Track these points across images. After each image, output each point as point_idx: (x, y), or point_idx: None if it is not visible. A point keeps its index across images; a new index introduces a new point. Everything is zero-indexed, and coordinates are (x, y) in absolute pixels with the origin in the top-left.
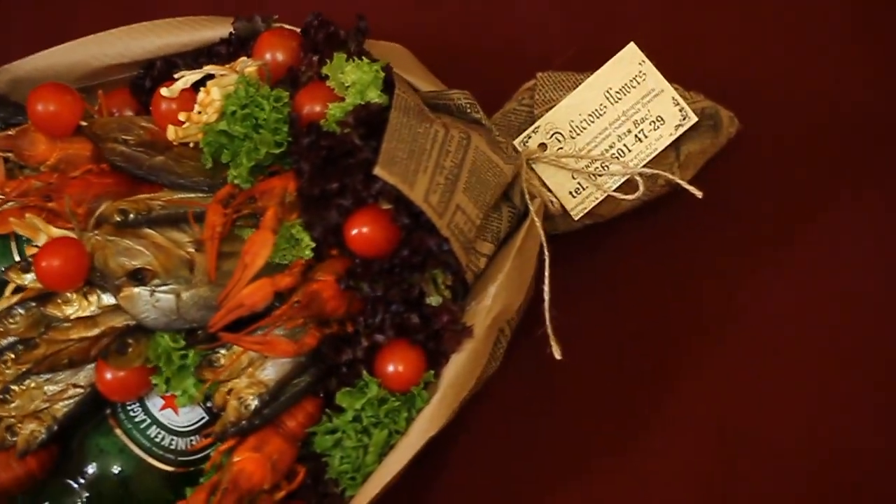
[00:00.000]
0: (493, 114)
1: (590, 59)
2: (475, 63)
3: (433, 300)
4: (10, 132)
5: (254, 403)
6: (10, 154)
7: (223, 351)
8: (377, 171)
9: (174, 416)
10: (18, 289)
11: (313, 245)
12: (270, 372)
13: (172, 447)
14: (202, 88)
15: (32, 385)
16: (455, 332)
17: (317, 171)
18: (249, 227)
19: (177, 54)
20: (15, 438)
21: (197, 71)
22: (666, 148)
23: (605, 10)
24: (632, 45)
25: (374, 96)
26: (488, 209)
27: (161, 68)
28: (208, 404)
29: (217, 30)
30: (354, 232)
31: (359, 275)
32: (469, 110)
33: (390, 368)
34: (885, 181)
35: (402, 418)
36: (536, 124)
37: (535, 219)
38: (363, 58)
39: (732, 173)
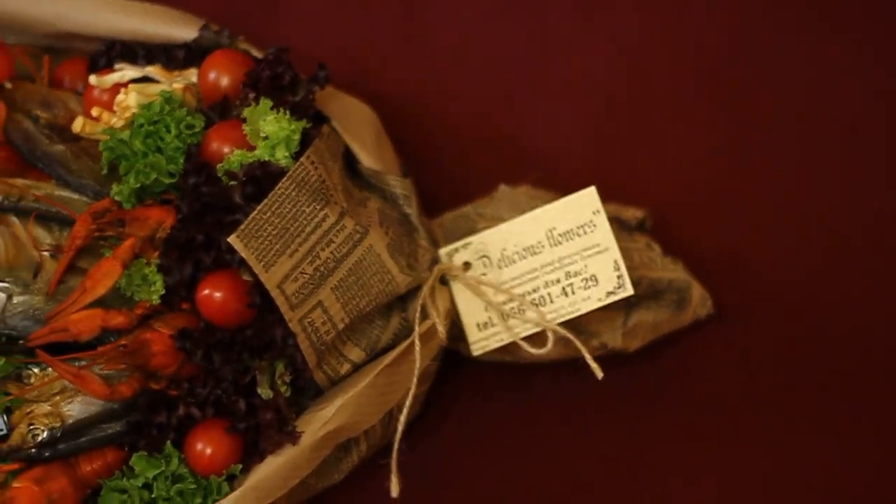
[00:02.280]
0: (449, 209)
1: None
2: (462, 150)
3: (264, 392)
4: None
5: (42, 435)
6: None
7: (36, 370)
8: (232, 239)
9: None
10: None
11: (163, 292)
12: (75, 409)
13: None
14: (123, 89)
15: None
16: (278, 433)
17: (192, 216)
18: (112, 251)
19: (140, 42)
20: None
21: (137, 68)
22: (615, 308)
23: (629, 142)
24: (591, 190)
25: (282, 157)
26: (363, 315)
27: (119, 51)
28: (6, 418)
29: (186, 31)
30: (205, 293)
31: (196, 339)
32: (402, 203)
33: (198, 447)
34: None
35: (193, 503)
36: (469, 240)
37: (417, 342)
38: (290, 112)
39: (693, 361)
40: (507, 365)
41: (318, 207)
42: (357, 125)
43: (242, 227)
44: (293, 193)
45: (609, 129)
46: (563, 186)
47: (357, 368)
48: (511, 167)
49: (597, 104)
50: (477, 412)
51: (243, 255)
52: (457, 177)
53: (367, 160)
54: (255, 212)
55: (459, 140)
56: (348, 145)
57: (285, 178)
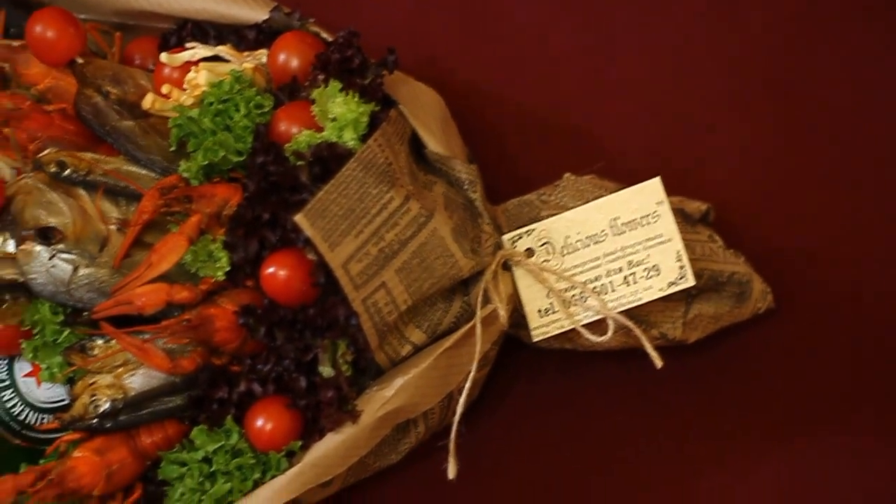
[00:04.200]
0: (514, 196)
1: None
2: (528, 138)
3: (325, 370)
4: (13, 43)
5: (104, 406)
6: (6, 65)
7: (100, 341)
8: (299, 218)
9: (35, 387)
10: None
11: (228, 268)
12: (137, 381)
13: (20, 418)
14: (194, 68)
15: None
16: (338, 411)
17: (258, 194)
18: (178, 226)
19: (211, 22)
20: None
21: (208, 47)
22: (676, 299)
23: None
24: (656, 181)
25: (350, 138)
26: (425, 297)
27: (190, 31)
28: (71, 388)
29: (256, 12)
30: (269, 271)
31: (260, 316)
32: (466, 187)
33: (258, 423)
34: None
35: (251, 478)
36: (532, 227)
37: (478, 326)
38: (360, 94)
39: (752, 354)
40: (565, 352)
41: (383, 190)
42: (424, 110)
43: (309, 206)
44: (360, 175)
45: (674, 121)
46: (627, 177)
47: (418, 350)
48: (575, 157)
49: (662, 97)
50: (534, 398)
51: (309, 234)
52: (520, 165)
53: (433, 145)
54: (322, 192)
55: (524, 128)
56: (415, 130)
57: (352, 159)
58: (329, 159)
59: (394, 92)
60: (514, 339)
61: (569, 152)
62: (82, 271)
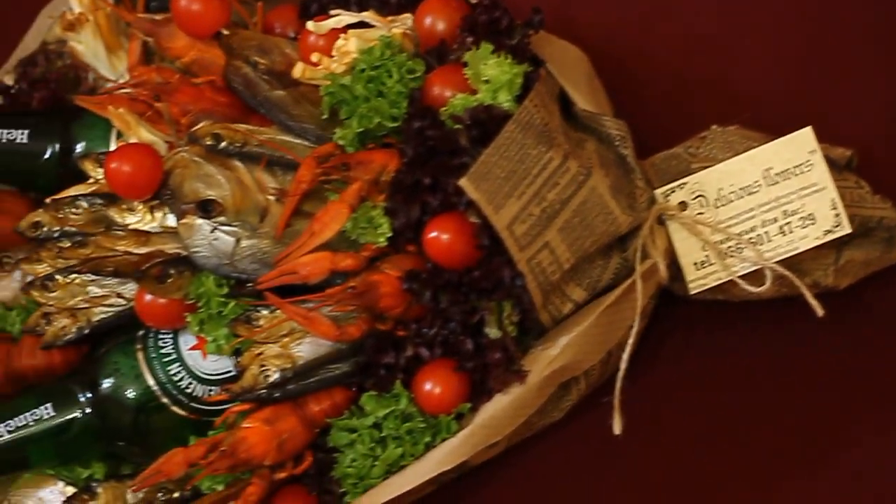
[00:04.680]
0: (660, 151)
1: (780, 126)
2: (670, 92)
3: (492, 332)
4: (156, 17)
5: (273, 376)
6: (150, 39)
7: (265, 312)
8: (463, 182)
9: (201, 359)
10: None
11: (390, 234)
12: (304, 349)
13: (188, 391)
14: (342, 35)
15: (77, 281)
16: (506, 372)
17: (417, 159)
18: (336, 194)
19: None
20: (48, 328)
21: (354, 14)
22: (827, 246)
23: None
24: (808, 130)
25: (504, 100)
26: (587, 255)
27: None
28: (237, 359)
29: None
30: (433, 235)
31: (424, 280)
32: (617, 144)
33: (427, 387)
34: None
35: (422, 441)
36: (685, 180)
37: (638, 282)
38: (512, 55)
39: None
40: (716, 303)
41: (542, 150)
42: (570, 68)
43: (472, 169)
44: (519, 136)
45: (813, 69)
46: (770, 128)
47: (579, 308)
48: (713, 108)
49: (802, 45)
50: (690, 349)
51: (473, 197)
52: (661, 118)
53: (582, 102)
54: (484, 155)
55: (660, 82)
56: (563, 88)
57: (511, 121)
58: (486, 122)
59: (540, 51)
60: (664, 291)
61: (707, 103)
62: (244, 243)
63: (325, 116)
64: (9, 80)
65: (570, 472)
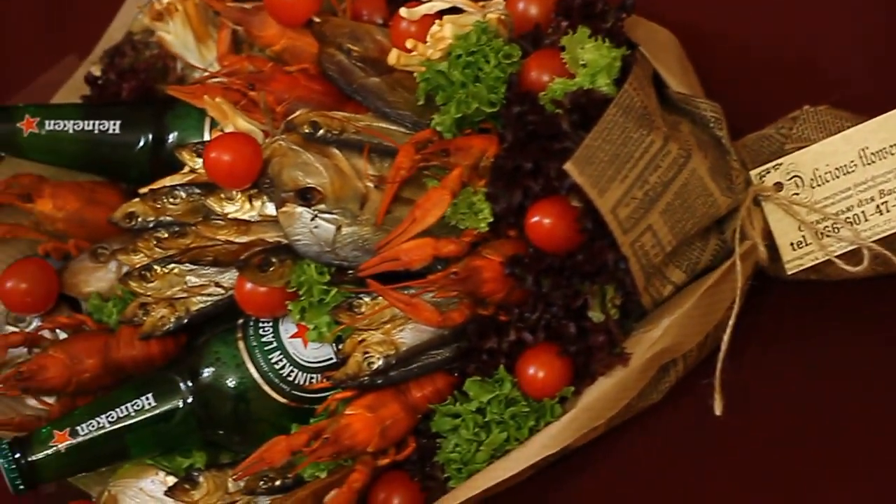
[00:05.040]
0: (747, 132)
1: (869, 105)
2: (757, 73)
3: (595, 315)
4: (246, 5)
5: (377, 363)
6: (240, 28)
7: (367, 299)
8: (568, 166)
9: (302, 347)
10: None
11: (491, 219)
12: (407, 336)
13: (290, 379)
14: (437, 21)
15: (175, 271)
16: (609, 355)
17: (517, 144)
18: (435, 180)
19: None
20: (145, 318)
21: (446, 0)
22: None
23: None
24: None
25: (603, 84)
26: (687, 237)
27: None
28: (338, 346)
29: None
30: (535, 219)
31: (526, 265)
32: (712, 125)
33: (530, 371)
34: None
35: (526, 426)
36: (780, 161)
37: (738, 263)
38: (608, 39)
39: None
40: (810, 283)
41: (644, 133)
42: (662, 50)
43: (577, 153)
44: (620, 120)
45: None
46: (858, 108)
47: (678, 290)
48: (798, 88)
49: (891, 24)
50: (783, 330)
51: (579, 181)
52: (745, 99)
53: (675, 84)
54: (587, 139)
55: (747, 63)
56: (656, 70)
57: (612, 104)
58: (587, 106)
59: (631, 34)
60: (757, 273)
61: (792, 84)
62: (345, 230)
63: (420, 102)
64: (96, 71)
65: (669, 454)
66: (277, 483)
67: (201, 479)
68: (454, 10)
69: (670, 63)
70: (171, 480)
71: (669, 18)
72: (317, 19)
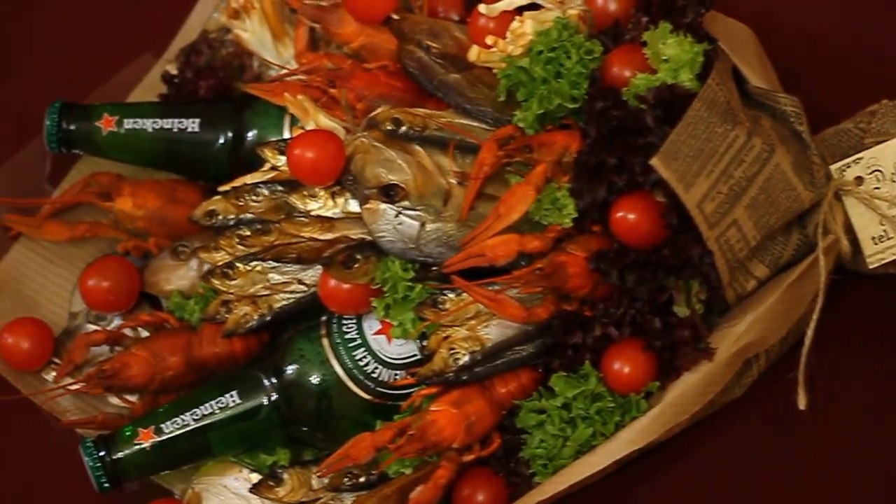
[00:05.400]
0: (823, 126)
1: None
2: (830, 67)
3: (680, 310)
4: (323, 3)
5: (463, 359)
6: (317, 25)
7: (451, 295)
8: (654, 161)
9: (386, 344)
10: (275, 167)
11: (575, 215)
12: (492, 332)
13: (374, 375)
14: (518, 17)
15: (258, 269)
16: (694, 350)
17: (601, 139)
18: (518, 176)
19: None
20: (228, 316)
21: None
22: None
23: None
24: None
25: (686, 79)
26: (770, 232)
27: None
28: (423, 343)
29: None
30: (620, 215)
31: (611, 260)
32: (792, 120)
33: (616, 366)
34: None
35: (612, 421)
36: (860, 155)
37: (821, 257)
38: (690, 34)
39: None
40: (889, 276)
41: (728, 128)
42: (740, 45)
43: (662, 148)
44: (705, 115)
45: None
46: None
47: (761, 284)
48: (871, 83)
49: None
50: (866, 323)
51: (665, 176)
52: (823, 94)
53: (754, 79)
54: (673, 134)
55: (822, 57)
56: (735, 65)
57: (696, 99)
58: (670, 101)
59: (710, 29)
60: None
61: (869, 78)
62: (429, 226)
63: (501, 99)
64: (172, 70)
65: (751, 449)
66: (362, 480)
67: (285, 476)
68: (532, 7)
69: (749, 58)
70: (255, 477)
71: (744, 12)
72: (395, 16)
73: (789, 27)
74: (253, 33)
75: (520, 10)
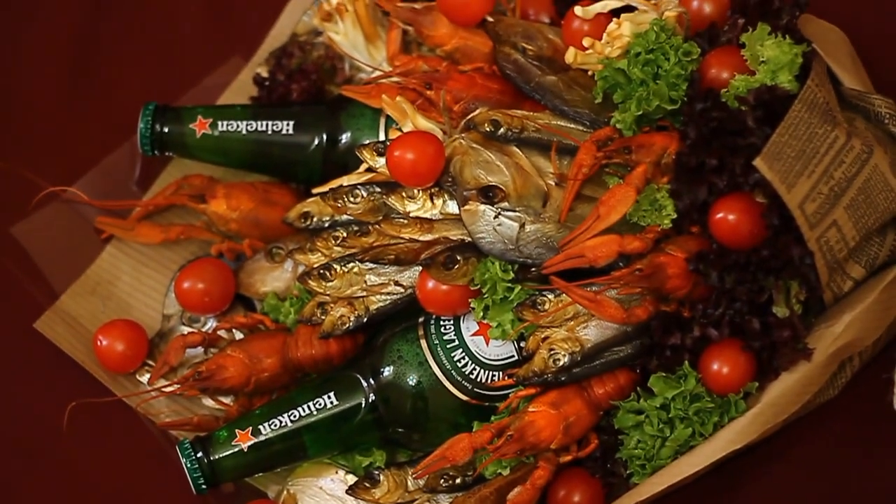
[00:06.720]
0: None
1: None
2: None
3: (780, 311)
4: (416, 5)
5: (563, 359)
6: (410, 28)
7: (550, 296)
8: (757, 161)
9: (484, 345)
10: (371, 169)
11: (675, 216)
12: (591, 332)
13: (472, 376)
14: (615, 20)
15: (355, 270)
16: (793, 350)
17: (701, 140)
18: (616, 177)
19: None
20: (324, 318)
21: None
22: None
23: None
24: None
25: (785, 80)
26: (869, 233)
27: None
28: (521, 344)
29: None
30: (720, 216)
31: (711, 261)
32: (887, 122)
33: (714, 367)
34: None
35: (710, 422)
36: None
37: None
38: (787, 35)
39: None
40: None
41: (828, 129)
42: (834, 47)
43: (765, 149)
44: (805, 116)
45: None
46: None
47: (858, 285)
48: None
49: None
50: None
51: (768, 177)
52: None
53: (848, 81)
54: (775, 135)
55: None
56: (830, 67)
57: (797, 100)
58: (771, 102)
59: (804, 31)
60: None
61: None
62: (529, 227)
63: (598, 100)
64: (263, 73)
65: (845, 450)
66: (458, 481)
67: (382, 477)
68: (627, 9)
69: (843, 60)
70: (351, 479)
71: (832, 13)
72: (490, 18)
73: (881, 29)
74: (345, 36)
75: (614, 13)
